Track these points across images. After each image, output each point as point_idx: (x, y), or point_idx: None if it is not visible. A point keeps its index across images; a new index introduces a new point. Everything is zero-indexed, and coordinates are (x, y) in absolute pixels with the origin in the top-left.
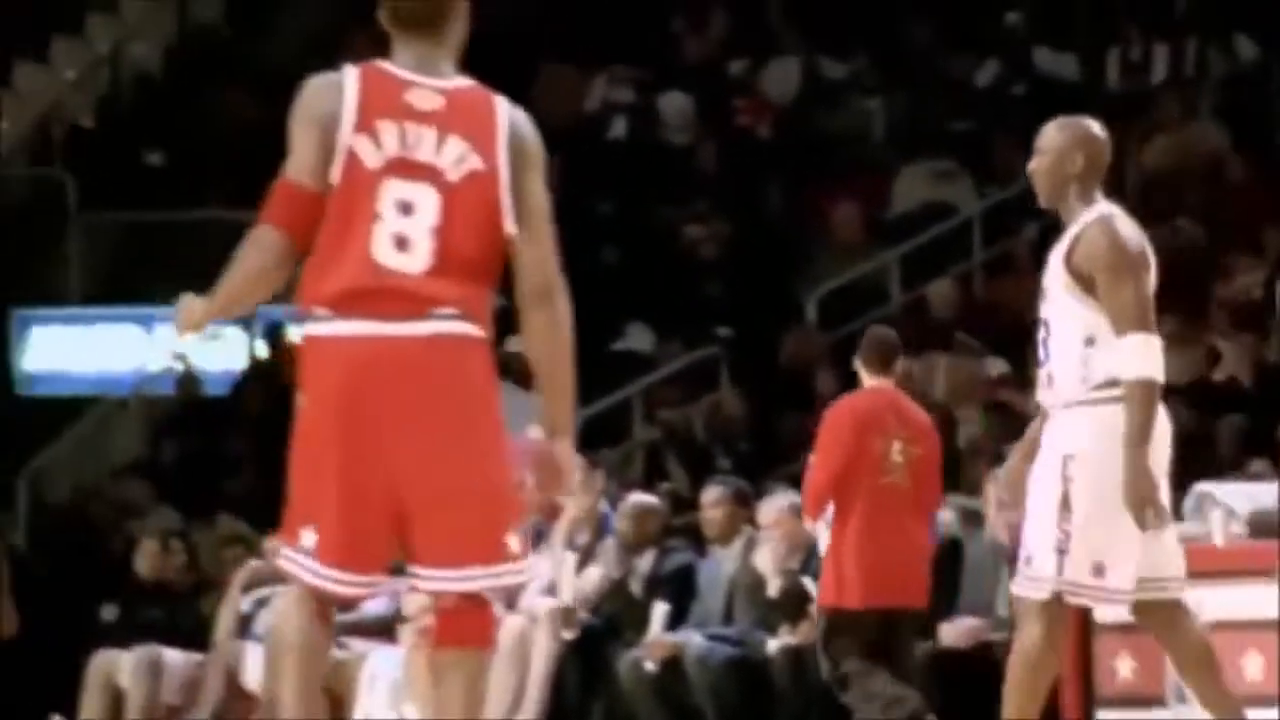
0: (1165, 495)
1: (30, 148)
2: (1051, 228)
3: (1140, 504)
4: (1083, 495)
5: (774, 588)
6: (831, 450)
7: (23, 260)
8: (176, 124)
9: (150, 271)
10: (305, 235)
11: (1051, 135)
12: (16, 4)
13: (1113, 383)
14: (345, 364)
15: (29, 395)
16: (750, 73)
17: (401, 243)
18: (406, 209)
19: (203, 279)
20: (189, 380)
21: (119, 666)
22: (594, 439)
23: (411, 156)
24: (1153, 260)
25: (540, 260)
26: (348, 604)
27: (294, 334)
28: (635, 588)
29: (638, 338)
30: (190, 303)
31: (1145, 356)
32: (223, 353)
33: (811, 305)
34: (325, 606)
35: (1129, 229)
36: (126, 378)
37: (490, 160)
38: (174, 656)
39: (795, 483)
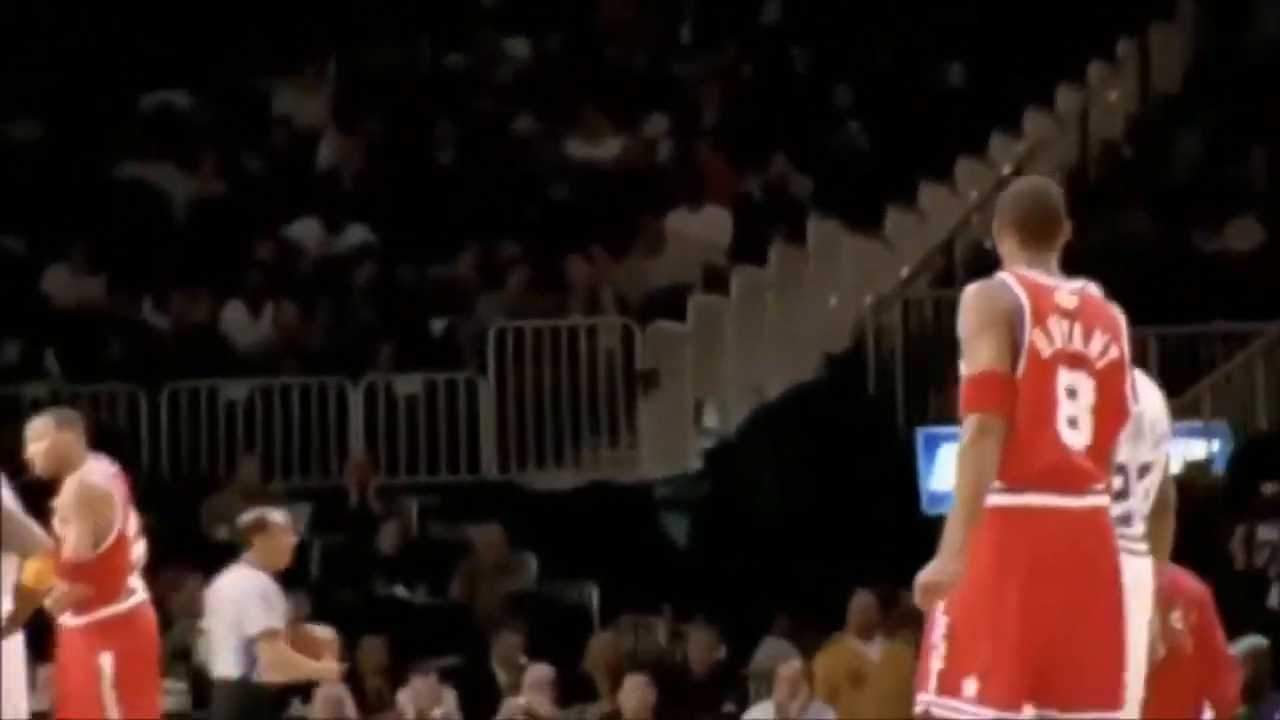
0: None
1: (933, 268)
2: None
3: None
4: None
5: None
6: None
7: (927, 380)
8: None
9: None
10: (1011, 416)
11: None
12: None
13: None
14: (1037, 534)
15: (936, 514)
16: None
17: (1072, 423)
18: (1073, 393)
19: None
20: None
21: None
22: None
23: (1071, 348)
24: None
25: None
26: None
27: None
28: None
29: None
30: (927, 581)
31: None
32: None
33: None
34: None
35: None
36: None
37: (1122, 351)
38: None
39: None
